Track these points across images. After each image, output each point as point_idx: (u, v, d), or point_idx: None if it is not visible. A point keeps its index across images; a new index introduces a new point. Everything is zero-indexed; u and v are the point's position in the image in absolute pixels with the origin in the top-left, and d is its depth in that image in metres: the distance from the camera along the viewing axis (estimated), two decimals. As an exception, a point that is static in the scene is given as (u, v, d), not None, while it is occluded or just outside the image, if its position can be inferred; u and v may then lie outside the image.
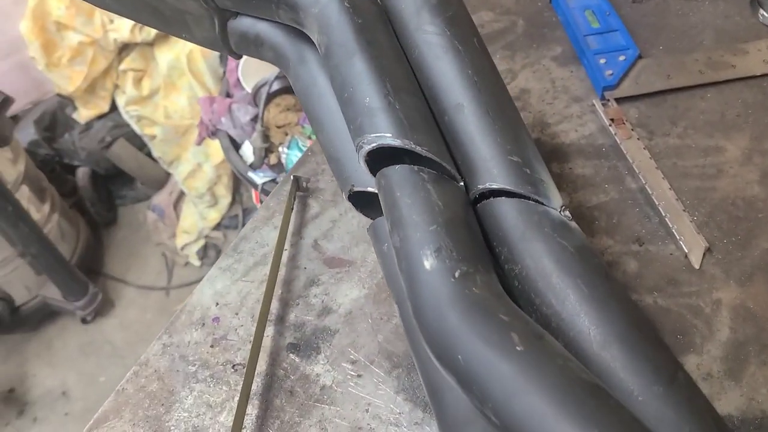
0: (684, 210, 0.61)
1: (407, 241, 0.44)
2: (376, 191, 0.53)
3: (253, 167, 1.33)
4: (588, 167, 0.67)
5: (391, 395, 0.56)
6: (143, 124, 2.13)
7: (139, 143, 2.18)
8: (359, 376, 0.58)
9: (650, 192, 0.63)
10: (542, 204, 0.46)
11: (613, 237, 0.62)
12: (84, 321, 1.98)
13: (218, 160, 2.02)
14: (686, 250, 0.59)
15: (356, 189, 0.54)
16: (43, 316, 1.97)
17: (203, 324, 0.63)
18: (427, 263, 0.42)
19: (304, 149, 1.25)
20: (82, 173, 2.17)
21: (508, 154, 0.47)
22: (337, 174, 0.57)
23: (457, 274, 0.41)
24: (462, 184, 0.48)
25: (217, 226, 2.14)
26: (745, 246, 0.60)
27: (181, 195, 2.21)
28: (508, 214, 0.46)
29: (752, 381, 0.54)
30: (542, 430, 0.34)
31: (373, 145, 0.47)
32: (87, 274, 1.98)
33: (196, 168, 2.10)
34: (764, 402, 0.53)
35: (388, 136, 0.46)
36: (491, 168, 0.47)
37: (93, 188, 2.17)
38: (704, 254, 0.60)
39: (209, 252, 2.12)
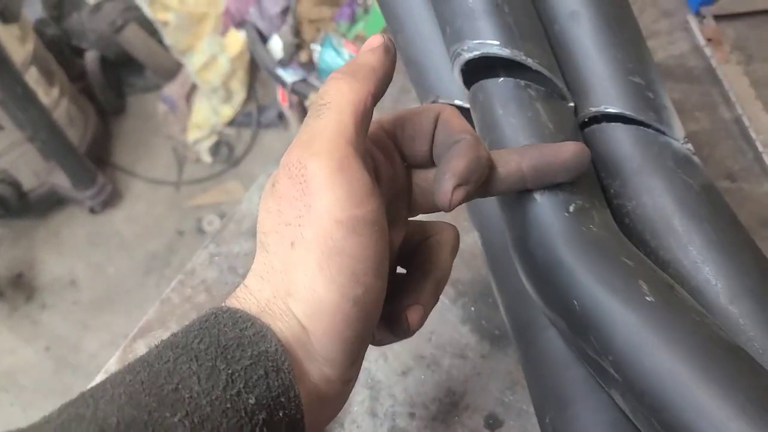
0: (783, 147, 0.56)
1: (511, 167, 0.39)
2: (465, 106, 0.47)
3: (281, 64, 1.25)
4: (676, 92, 0.61)
5: (456, 325, 0.53)
6: (156, 9, 2.01)
7: (151, 29, 2.07)
8: (422, 301, 0.54)
9: (747, 124, 0.57)
10: (663, 134, 0.41)
11: (700, 170, 0.57)
12: (92, 211, 1.94)
13: (234, 52, 1.93)
14: (783, 191, 0.54)
15: (441, 101, 0.48)
16: (51, 203, 1.92)
17: (254, 234, 0.58)
18: (537, 194, 0.38)
19: (340, 49, 1.17)
20: (90, 57, 2.07)
21: (629, 73, 0.41)
22: (416, 81, 0.51)
23: (571, 209, 0.37)
24: (572, 105, 0.42)
25: (231, 123, 2.07)
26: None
27: (194, 87, 2.12)
28: (623, 142, 0.41)
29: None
30: (676, 391, 0.30)
31: (475, 53, 0.41)
32: (95, 164, 1.93)
33: (211, 60, 2.01)
34: None
35: (494, 44, 0.41)
36: (608, 88, 0.42)
37: (102, 73, 2.08)
38: (798, 196, 0.55)
39: (221, 149, 2.06)
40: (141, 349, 0.53)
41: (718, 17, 0.64)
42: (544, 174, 0.33)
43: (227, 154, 2.06)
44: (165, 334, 0.53)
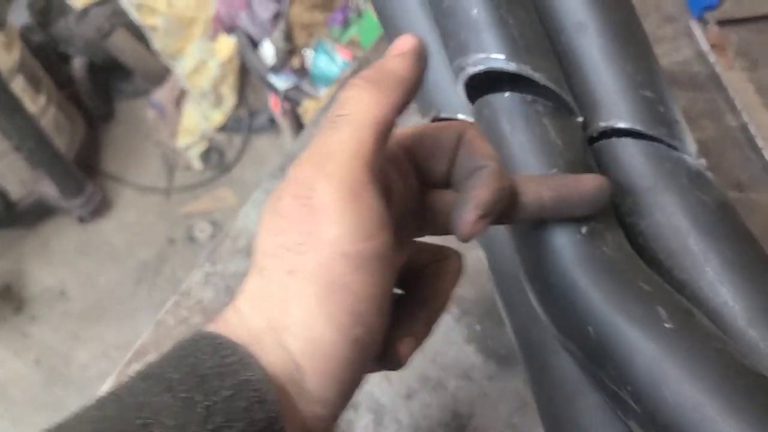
0: (790, 155, 0.55)
1: (520, 186, 0.38)
2: (469, 120, 0.46)
3: (273, 70, 1.23)
4: (682, 99, 0.60)
5: (462, 345, 0.51)
6: (143, 13, 1.99)
7: (139, 34, 2.04)
8: (425, 320, 0.53)
9: (753, 132, 0.56)
10: (675, 149, 0.40)
11: (706, 180, 0.56)
12: (81, 220, 1.91)
13: (224, 57, 1.91)
14: (792, 201, 0.53)
15: (443, 115, 0.47)
16: (40, 213, 1.90)
17: (250, 253, 0.57)
18: (548, 215, 0.36)
19: (334, 55, 1.15)
20: (78, 63, 2.04)
21: (638, 86, 0.40)
22: (417, 95, 0.50)
23: (584, 230, 0.35)
24: (581, 119, 0.41)
25: (221, 129, 2.05)
26: None
27: (183, 92, 2.10)
28: (634, 158, 0.40)
29: None
30: (701, 424, 0.29)
31: (480, 67, 0.40)
32: (84, 171, 1.90)
33: (200, 64, 1.98)
34: None
35: (499, 58, 0.39)
36: (618, 102, 0.40)
37: (90, 79, 2.05)
38: (807, 205, 0.54)
39: (212, 155, 2.04)
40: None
41: (721, 22, 0.62)
42: (563, 206, 0.31)
43: (218, 160, 2.04)
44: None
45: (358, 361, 0.25)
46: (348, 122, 0.26)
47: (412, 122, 0.63)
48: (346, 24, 1.20)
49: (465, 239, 0.28)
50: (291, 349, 0.25)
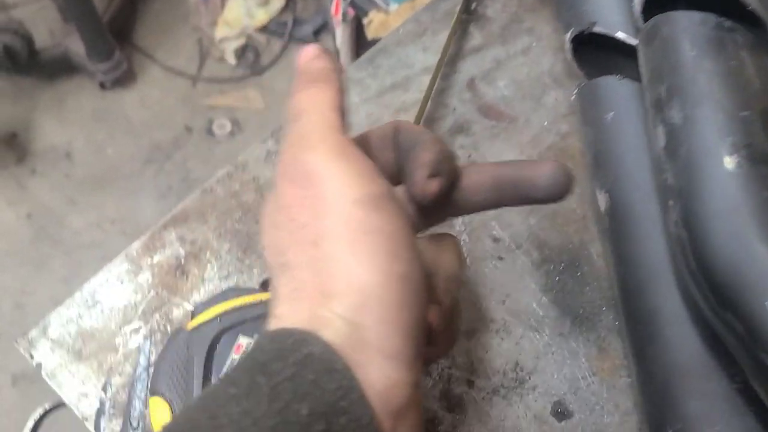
0: None
1: (698, 123, 0.32)
2: (628, 41, 0.39)
3: (346, -29, 1.14)
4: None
5: (536, 292, 0.46)
6: None
7: None
8: (500, 258, 0.47)
9: None
10: None
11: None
12: (102, 86, 1.84)
13: (283, -48, 1.81)
14: None
15: (598, 30, 0.40)
16: (62, 68, 1.81)
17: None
18: (730, 161, 0.30)
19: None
20: (131, -77, 1.93)
21: None
22: (565, 4, 0.43)
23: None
24: (779, 64, 0.34)
25: (263, 29, 1.95)
26: None
27: (232, -19, 1.99)
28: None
29: None
30: None
31: (678, -27, 0.33)
32: (115, 38, 1.81)
33: (258, -45, 1.88)
34: None
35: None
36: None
37: (140, -57, 1.94)
38: None
39: (248, 54, 1.95)
40: (171, 237, 0.45)
41: None
42: (519, 189, 0.31)
43: (253, 59, 1.95)
44: (202, 228, 0.46)
45: (412, 300, 0.25)
46: (308, 112, 0.28)
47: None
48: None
49: (423, 198, 0.29)
50: (342, 312, 0.24)
